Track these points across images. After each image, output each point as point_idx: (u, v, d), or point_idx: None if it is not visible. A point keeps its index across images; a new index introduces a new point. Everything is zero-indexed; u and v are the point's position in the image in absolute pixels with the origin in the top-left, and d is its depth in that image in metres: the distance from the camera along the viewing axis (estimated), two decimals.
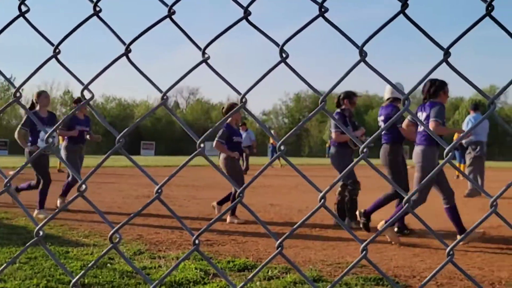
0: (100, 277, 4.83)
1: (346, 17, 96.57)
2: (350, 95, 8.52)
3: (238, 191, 1.18)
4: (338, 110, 8.58)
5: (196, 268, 5.14)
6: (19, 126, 8.88)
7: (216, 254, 6.08)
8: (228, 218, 8.66)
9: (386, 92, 8.19)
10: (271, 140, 31.14)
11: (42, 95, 9.06)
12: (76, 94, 72.86)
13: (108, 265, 5.29)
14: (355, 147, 8.28)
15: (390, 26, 1.16)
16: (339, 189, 8.37)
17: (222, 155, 8.68)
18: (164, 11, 1.24)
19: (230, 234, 7.41)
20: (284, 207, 10.56)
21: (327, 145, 67.52)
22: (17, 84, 1.28)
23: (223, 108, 8.95)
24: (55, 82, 77.07)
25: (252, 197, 12.02)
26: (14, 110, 67.62)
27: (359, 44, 1.13)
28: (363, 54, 1.10)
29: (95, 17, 1.30)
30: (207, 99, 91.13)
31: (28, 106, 9.28)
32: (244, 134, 21.38)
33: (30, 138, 8.96)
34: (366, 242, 1.18)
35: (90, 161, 25.13)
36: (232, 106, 8.91)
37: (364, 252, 1.14)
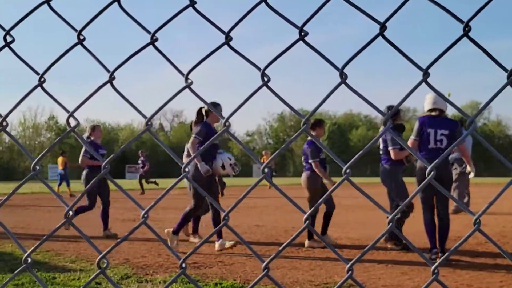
0: None
1: (327, 36, 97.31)
2: None
3: (224, 213, 1.20)
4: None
5: None
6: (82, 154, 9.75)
7: (204, 276, 6.06)
8: (217, 245, 7.94)
9: (433, 102, 7.36)
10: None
11: (96, 129, 10.03)
12: (61, 119, 72.59)
13: None
14: (408, 163, 8.20)
15: (371, 45, 1.19)
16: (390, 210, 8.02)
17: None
18: (147, 35, 1.26)
19: (216, 256, 7.39)
20: (269, 228, 10.56)
21: None
22: (1, 111, 1.30)
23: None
24: (39, 107, 76.73)
25: (237, 218, 12.01)
26: None
27: (339, 66, 1.15)
28: (343, 77, 1.13)
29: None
30: (191, 121, 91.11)
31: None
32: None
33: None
34: (351, 262, 1.19)
35: (75, 185, 25.08)
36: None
37: (350, 272, 1.15)
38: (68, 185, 22.35)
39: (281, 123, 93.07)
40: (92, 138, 9.85)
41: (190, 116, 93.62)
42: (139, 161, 25.23)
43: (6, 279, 5.83)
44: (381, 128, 8.09)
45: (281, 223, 11.39)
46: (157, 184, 25.60)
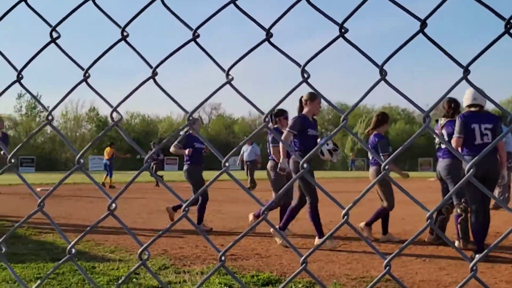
0: None
1: (366, 31, 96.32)
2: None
3: (262, 209, 1.21)
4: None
5: (220, 283, 5.16)
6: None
7: (240, 268, 6.10)
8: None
9: (473, 98, 7.24)
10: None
11: (196, 122, 10.01)
12: (102, 111, 73.49)
13: (134, 280, 5.33)
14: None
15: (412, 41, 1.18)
16: (447, 207, 7.94)
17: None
18: (189, 31, 1.28)
19: (253, 248, 7.42)
20: (307, 221, 10.52)
21: (349, 158, 67.47)
22: (45, 103, 1.35)
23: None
24: (80, 99, 77.86)
25: (276, 212, 12.00)
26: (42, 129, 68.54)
27: (379, 62, 1.15)
28: (383, 73, 1.13)
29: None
30: (229, 114, 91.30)
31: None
32: (249, 149, 21.05)
33: (185, 158, 9.69)
34: (389, 257, 1.19)
35: (117, 176, 25.47)
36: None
37: (388, 267, 1.15)
38: (110, 176, 22.70)
39: (320, 117, 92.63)
40: (190, 131, 9.69)
41: (228, 109, 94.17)
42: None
43: (47, 267, 5.97)
44: (443, 120, 7.90)
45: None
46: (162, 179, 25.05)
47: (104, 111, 77.22)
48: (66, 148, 65.72)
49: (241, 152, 21.91)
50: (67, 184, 23.43)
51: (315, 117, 8.04)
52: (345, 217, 1.15)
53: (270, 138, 8.94)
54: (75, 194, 18.40)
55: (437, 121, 8.27)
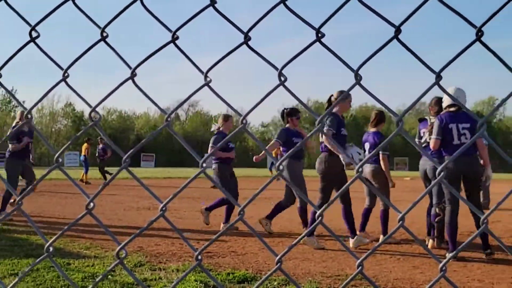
0: None
1: (342, 32, 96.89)
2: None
3: (240, 208, 1.23)
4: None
5: (196, 280, 5.17)
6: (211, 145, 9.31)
7: (216, 266, 6.11)
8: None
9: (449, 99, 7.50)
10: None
11: (229, 119, 9.55)
12: (78, 107, 72.78)
13: (109, 277, 5.32)
14: None
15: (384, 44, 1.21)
16: (441, 207, 7.82)
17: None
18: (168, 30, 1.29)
19: (229, 246, 7.44)
20: (284, 220, 10.56)
21: None
22: (20, 98, 1.36)
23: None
24: (56, 95, 77.00)
25: (252, 210, 12.03)
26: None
27: (359, 62, 1.18)
28: (358, 78, 1.15)
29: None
30: (206, 111, 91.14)
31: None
32: None
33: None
34: (362, 257, 1.22)
35: (93, 173, 25.30)
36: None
37: (360, 267, 1.18)
38: (86, 172, 22.62)
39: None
40: (221, 129, 9.48)
41: (206, 105, 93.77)
42: (99, 149, 23.99)
43: (21, 264, 5.92)
44: (433, 119, 7.91)
45: (296, 215, 11.37)
46: (110, 174, 23.88)
47: (80, 106, 76.68)
48: (41, 143, 65.00)
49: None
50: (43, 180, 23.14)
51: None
52: (319, 218, 1.18)
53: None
54: (49, 190, 18.24)
55: (423, 119, 8.34)
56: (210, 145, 9.23)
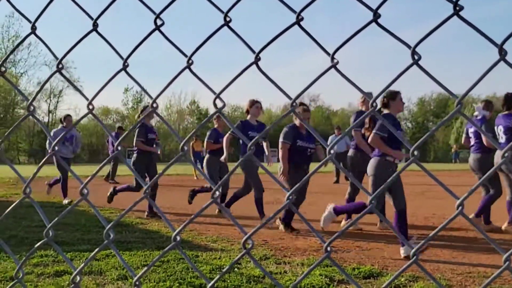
0: (228, 281, 4.95)
1: (479, 14, 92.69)
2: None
3: (370, 197, 1.17)
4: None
5: (321, 275, 5.12)
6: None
7: (341, 261, 6.04)
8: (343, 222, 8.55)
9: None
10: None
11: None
12: (202, 104, 74.92)
13: (236, 269, 5.40)
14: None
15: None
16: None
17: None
18: (292, 17, 1.25)
19: (354, 240, 7.32)
20: (409, 214, 10.24)
21: (453, 150, 64.35)
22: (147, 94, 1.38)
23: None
24: (182, 92, 79.80)
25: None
26: None
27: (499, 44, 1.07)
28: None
29: (226, 28, 1.34)
30: (327, 105, 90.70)
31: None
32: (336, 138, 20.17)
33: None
34: (509, 252, 1.11)
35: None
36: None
37: (507, 262, 1.08)
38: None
39: (421, 107, 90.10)
40: (248, 118, 9.30)
41: (327, 100, 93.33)
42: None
43: (153, 255, 6.17)
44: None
45: (421, 210, 11.05)
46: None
47: (205, 104, 78.96)
48: (169, 140, 67.64)
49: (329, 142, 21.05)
50: (170, 175, 24.12)
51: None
52: (460, 207, 1.09)
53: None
54: (178, 184, 18.88)
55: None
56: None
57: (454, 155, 62.68)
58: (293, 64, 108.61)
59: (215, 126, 10.78)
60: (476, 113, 8.33)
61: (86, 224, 8.40)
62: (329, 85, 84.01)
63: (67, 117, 12.32)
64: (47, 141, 10.67)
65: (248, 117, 9.23)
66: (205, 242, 7.14)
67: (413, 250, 1.14)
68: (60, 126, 12.28)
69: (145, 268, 1.32)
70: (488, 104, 8.34)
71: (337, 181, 20.03)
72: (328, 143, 9.69)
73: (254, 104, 9.26)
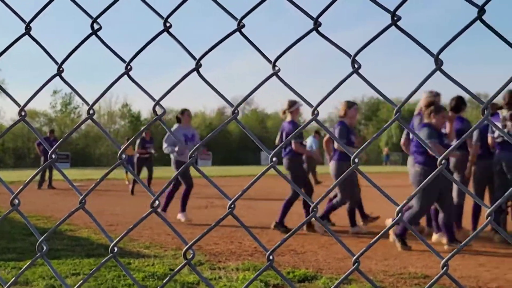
0: None
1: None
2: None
3: (312, 205, 1.16)
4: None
5: (256, 280, 5.12)
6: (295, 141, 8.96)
7: (276, 265, 6.01)
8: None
9: None
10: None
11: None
12: (134, 107, 73.97)
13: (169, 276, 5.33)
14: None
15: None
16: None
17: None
18: (228, 22, 1.23)
19: (288, 244, 7.37)
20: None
21: (384, 152, 65.88)
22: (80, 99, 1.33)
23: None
24: (113, 95, 78.31)
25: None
26: (76, 123, 69.29)
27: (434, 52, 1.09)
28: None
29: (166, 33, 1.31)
30: (262, 109, 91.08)
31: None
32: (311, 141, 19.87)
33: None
34: (448, 256, 1.13)
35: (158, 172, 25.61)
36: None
37: (446, 268, 1.09)
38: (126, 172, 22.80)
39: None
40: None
41: (261, 103, 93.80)
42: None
43: (83, 263, 6.00)
44: (505, 112, 7.69)
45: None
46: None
47: (137, 107, 77.98)
48: (100, 144, 66.36)
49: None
50: (106, 179, 23.67)
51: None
52: (399, 214, 1.09)
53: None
54: (109, 189, 18.56)
55: (494, 113, 7.94)
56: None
57: (385, 157, 64.37)
58: (220, 68, 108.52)
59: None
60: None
61: (11, 231, 8.12)
62: (263, 88, 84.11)
63: (185, 111, 10.30)
64: (165, 142, 9.84)
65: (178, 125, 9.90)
66: (138, 248, 7.02)
67: (354, 258, 1.14)
68: (176, 125, 10.37)
69: (81, 281, 1.27)
70: None
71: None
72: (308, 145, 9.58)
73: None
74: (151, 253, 6.64)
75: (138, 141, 16.28)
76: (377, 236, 1.15)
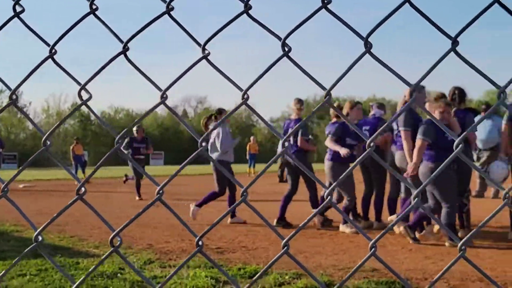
0: (110, 287, 4.81)
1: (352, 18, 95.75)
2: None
3: (242, 190, 1.16)
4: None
5: (206, 276, 5.10)
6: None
7: (227, 261, 6.05)
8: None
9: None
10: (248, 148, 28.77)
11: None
12: (83, 106, 72.68)
13: (119, 275, 5.26)
14: None
15: (394, 19, 1.12)
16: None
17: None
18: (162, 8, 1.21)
19: (240, 241, 7.37)
20: (294, 212, 10.48)
21: None
22: (13, 86, 1.27)
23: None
24: (63, 94, 76.75)
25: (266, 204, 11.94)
26: (23, 123, 67.70)
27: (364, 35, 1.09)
28: (367, 46, 1.06)
29: (93, 18, 1.28)
30: (215, 107, 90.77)
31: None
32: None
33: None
34: (374, 239, 1.14)
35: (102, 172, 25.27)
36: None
37: (373, 249, 1.10)
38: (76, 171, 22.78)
39: (306, 108, 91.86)
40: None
41: (214, 102, 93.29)
42: None
43: (29, 264, 5.85)
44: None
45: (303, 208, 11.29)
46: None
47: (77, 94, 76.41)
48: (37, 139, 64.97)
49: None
50: (50, 180, 23.40)
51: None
52: (329, 197, 1.09)
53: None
54: (57, 189, 18.24)
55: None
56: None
57: None
58: (169, 65, 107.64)
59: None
60: (373, 112, 8.79)
61: None
62: (215, 87, 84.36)
63: (223, 111, 10.13)
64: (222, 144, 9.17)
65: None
66: (87, 248, 6.90)
67: (283, 242, 1.14)
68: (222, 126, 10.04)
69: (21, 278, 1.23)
70: (381, 105, 9.01)
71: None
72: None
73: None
74: (100, 253, 6.55)
75: (126, 140, 14.12)
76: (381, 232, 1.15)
